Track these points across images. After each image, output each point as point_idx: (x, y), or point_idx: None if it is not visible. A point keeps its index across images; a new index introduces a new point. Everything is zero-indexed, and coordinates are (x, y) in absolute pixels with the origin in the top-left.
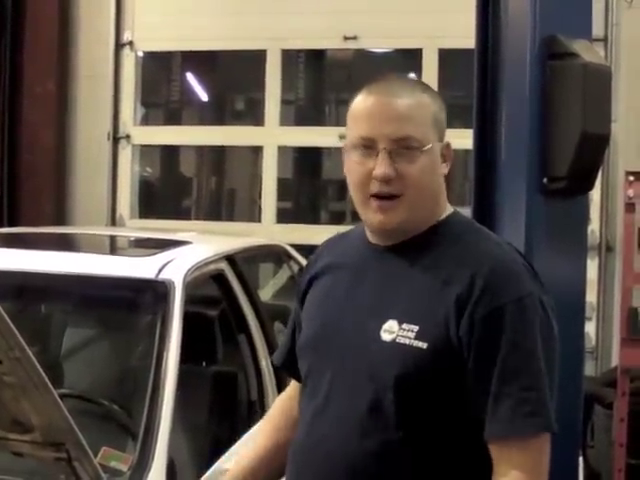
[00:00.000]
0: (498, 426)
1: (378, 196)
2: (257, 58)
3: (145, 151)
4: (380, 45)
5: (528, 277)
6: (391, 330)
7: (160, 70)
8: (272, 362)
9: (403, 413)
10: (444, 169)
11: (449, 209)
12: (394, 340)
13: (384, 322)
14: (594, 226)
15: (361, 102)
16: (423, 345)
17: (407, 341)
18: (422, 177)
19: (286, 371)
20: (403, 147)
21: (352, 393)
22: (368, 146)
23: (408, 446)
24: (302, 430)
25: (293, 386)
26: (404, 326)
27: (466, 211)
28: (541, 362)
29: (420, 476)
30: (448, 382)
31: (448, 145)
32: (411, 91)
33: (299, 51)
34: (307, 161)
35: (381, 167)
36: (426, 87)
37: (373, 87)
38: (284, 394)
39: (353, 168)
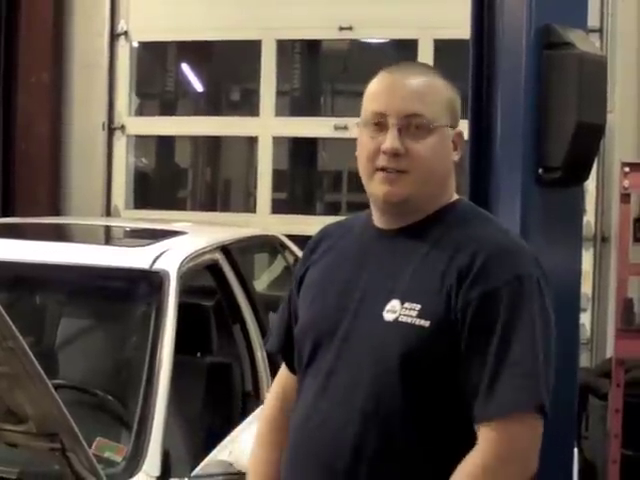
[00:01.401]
0: (490, 407)
1: (385, 170)
2: (252, 48)
3: (140, 142)
4: (375, 35)
5: (528, 259)
6: (393, 310)
7: (155, 60)
8: (266, 350)
9: (407, 392)
10: (455, 156)
11: (455, 196)
12: (396, 319)
13: (387, 302)
14: (589, 217)
15: (377, 81)
16: (425, 323)
17: (409, 320)
18: (430, 157)
19: (282, 357)
20: (413, 125)
21: (355, 373)
22: (379, 122)
23: (411, 425)
24: (303, 411)
25: (286, 380)
26: (406, 305)
27: None
28: (536, 343)
29: (423, 455)
30: (451, 360)
31: (460, 133)
32: (426, 73)
33: (294, 41)
34: (302, 152)
35: (390, 141)
36: (442, 76)
37: (390, 68)
38: (278, 392)
39: (364, 143)
